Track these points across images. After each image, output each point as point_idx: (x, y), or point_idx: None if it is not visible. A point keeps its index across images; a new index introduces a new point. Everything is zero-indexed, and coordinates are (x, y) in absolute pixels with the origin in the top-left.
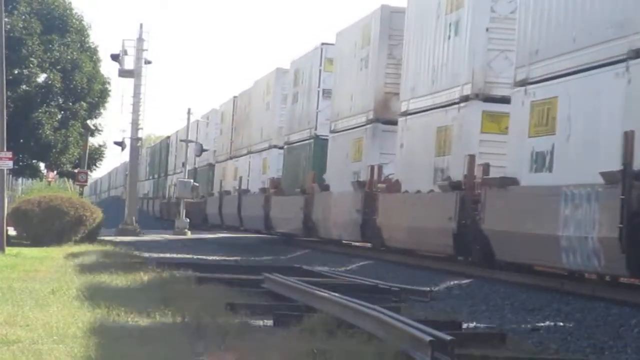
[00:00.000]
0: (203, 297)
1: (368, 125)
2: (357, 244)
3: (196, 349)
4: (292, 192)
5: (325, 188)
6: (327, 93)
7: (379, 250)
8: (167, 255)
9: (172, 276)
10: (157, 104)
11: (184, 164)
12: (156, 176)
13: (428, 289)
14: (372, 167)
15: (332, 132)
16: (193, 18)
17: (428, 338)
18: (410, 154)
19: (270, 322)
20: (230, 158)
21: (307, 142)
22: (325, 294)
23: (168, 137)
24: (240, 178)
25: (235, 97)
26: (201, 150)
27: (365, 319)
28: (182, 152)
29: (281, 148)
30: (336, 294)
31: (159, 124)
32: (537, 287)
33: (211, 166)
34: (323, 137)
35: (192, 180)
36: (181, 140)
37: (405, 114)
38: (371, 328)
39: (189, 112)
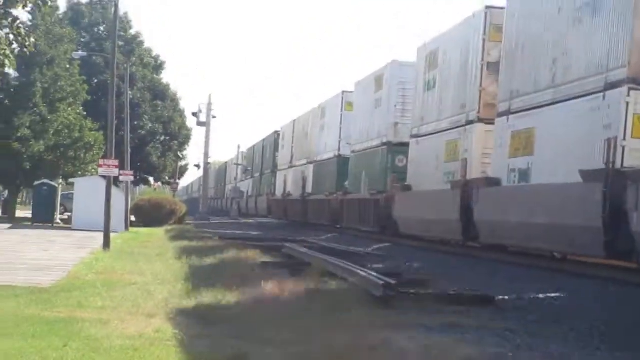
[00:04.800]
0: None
1: None
2: None
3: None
4: None
5: None
6: None
7: None
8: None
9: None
10: (218, 138)
11: (246, 172)
12: (257, 174)
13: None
14: None
15: None
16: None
17: (381, 282)
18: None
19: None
20: (483, 121)
21: None
22: (318, 255)
23: (277, 132)
24: (613, 143)
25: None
26: (245, 171)
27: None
28: (300, 143)
29: None
30: (326, 256)
31: (220, 153)
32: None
33: (391, 145)
34: None
35: (240, 187)
36: (234, 164)
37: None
38: (346, 276)
39: (238, 148)
